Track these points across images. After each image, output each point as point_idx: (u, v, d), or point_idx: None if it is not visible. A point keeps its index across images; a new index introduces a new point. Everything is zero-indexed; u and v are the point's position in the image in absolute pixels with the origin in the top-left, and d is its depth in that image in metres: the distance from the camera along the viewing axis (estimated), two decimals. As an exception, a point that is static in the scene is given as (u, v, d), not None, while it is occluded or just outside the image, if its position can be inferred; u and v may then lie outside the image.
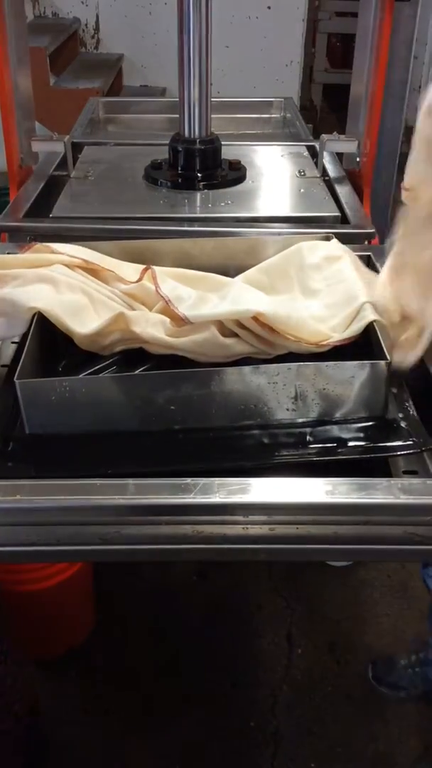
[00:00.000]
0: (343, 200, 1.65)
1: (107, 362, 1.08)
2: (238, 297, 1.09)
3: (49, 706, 1.84)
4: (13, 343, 1.15)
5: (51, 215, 1.57)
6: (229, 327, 1.05)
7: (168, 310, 1.05)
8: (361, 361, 1.01)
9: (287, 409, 1.01)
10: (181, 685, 1.89)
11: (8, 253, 1.24)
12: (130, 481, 0.91)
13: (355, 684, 1.91)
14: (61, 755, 1.74)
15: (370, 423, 1.02)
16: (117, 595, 2.04)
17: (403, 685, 1.88)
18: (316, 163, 1.80)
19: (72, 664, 1.93)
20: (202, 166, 1.72)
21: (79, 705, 1.85)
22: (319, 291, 1.19)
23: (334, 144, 1.77)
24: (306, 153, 1.91)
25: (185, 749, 1.76)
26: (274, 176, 1.81)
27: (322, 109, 5.53)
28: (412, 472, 0.98)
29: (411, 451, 0.98)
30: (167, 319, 1.05)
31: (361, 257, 1.30)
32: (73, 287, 1.10)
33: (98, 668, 1.94)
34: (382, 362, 1.00)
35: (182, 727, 1.80)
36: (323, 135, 1.78)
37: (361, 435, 1.01)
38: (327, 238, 1.30)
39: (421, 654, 1.91)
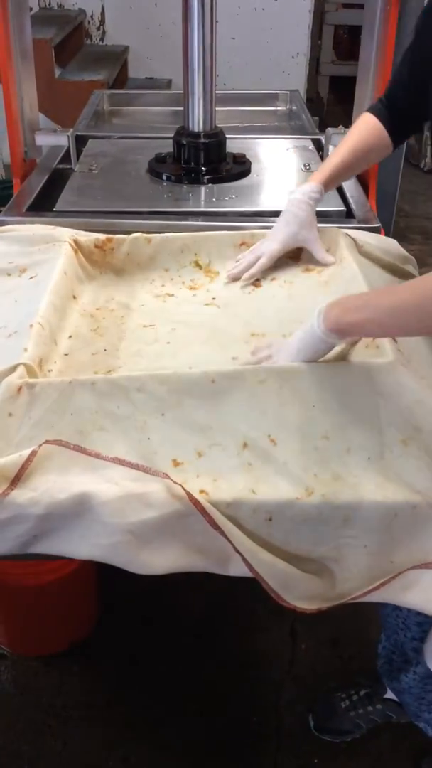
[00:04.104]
0: (348, 195, 1.64)
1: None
2: None
3: (52, 701, 1.84)
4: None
5: (54, 209, 1.56)
6: None
7: None
8: None
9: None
10: (184, 679, 1.89)
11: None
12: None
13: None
14: (63, 749, 1.75)
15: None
16: (120, 589, 2.04)
17: (346, 729, 1.74)
18: (321, 157, 1.79)
19: (75, 659, 1.93)
20: (207, 160, 1.71)
21: (81, 699, 1.86)
22: None
23: (340, 137, 1.75)
24: (311, 146, 1.89)
25: (187, 743, 1.76)
26: (279, 170, 1.79)
27: (328, 101, 5.50)
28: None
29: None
30: None
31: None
32: None
33: (101, 663, 1.94)
34: None
35: (184, 722, 1.80)
36: (328, 129, 1.77)
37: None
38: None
39: (362, 692, 1.78)
